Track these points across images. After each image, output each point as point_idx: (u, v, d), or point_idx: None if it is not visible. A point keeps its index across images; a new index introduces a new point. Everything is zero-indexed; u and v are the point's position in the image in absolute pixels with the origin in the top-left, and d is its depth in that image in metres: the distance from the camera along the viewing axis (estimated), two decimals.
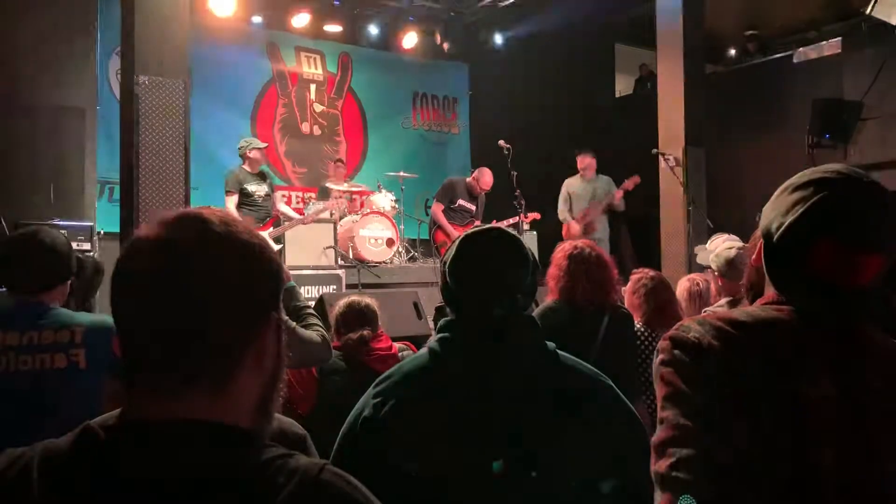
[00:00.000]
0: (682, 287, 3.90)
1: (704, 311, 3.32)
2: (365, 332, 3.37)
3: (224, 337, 0.86)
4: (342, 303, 3.54)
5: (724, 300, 3.29)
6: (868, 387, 1.13)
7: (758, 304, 1.25)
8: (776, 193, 1.24)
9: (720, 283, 3.49)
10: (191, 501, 0.79)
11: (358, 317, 3.45)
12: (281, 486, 0.80)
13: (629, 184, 7.99)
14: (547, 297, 3.30)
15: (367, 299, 3.59)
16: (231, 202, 7.08)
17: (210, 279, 0.85)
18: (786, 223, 1.17)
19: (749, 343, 1.14)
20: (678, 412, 1.12)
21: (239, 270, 0.87)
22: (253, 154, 7.34)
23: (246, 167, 7.32)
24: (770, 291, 1.25)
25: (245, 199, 7.17)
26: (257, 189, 7.27)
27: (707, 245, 4.57)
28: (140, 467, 0.80)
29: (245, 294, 0.88)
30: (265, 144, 7.65)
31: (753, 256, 1.29)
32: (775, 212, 1.21)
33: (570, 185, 8.28)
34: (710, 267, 3.71)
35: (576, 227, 7.98)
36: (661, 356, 1.19)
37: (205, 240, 0.86)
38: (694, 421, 1.10)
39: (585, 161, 8.16)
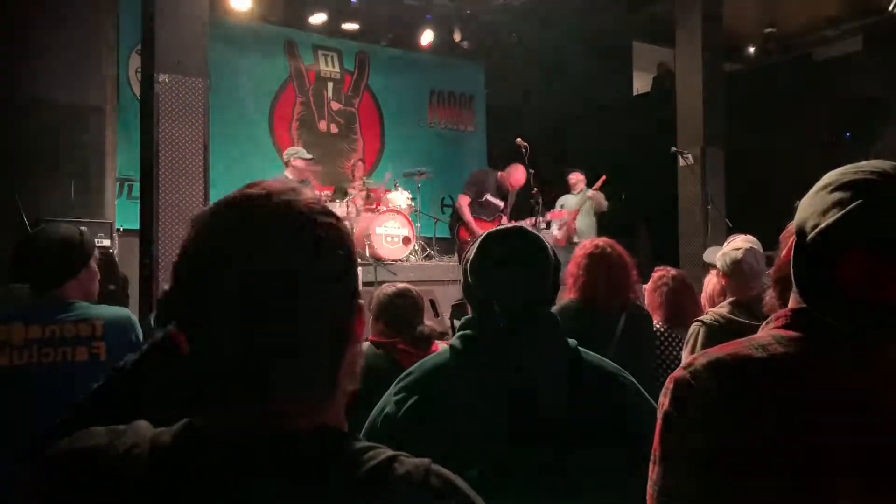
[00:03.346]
0: (712, 284, 3.85)
1: (707, 312, 3.29)
2: (434, 326, 3.12)
3: (335, 332, 0.83)
4: (387, 292, 3.17)
5: (726, 301, 3.26)
6: (892, 425, 1.03)
7: (774, 328, 1.14)
8: (816, 188, 1.14)
9: (724, 283, 3.46)
10: None
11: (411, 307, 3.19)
12: (393, 493, 0.79)
13: (597, 185, 8.30)
14: (564, 295, 3.30)
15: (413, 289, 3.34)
16: None
17: (325, 266, 0.80)
18: (820, 226, 1.07)
19: (765, 389, 1.05)
20: (660, 480, 1.07)
21: (346, 254, 0.84)
22: (297, 163, 7.55)
23: (288, 174, 7.48)
24: (791, 304, 1.15)
25: None
26: None
27: (724, 246, 4.53)
28: (263, 476, 0.76)
29: (348, 283, 0.84)
30: (311, 156, 7.80)
31: (784, 252, 1.19)
32: (812, 209, 1.11)
33: (563, 199, 8.57)
34: (714, 266, 3.67)
35: (558, 233, 8.17)
36: (663, 398, 1.11)
37: (312, 223, 0.81)
38: (671, 498, 1.06)
39: (576, 177, 8.49)
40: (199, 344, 0.80)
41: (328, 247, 0.81)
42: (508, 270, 1.53)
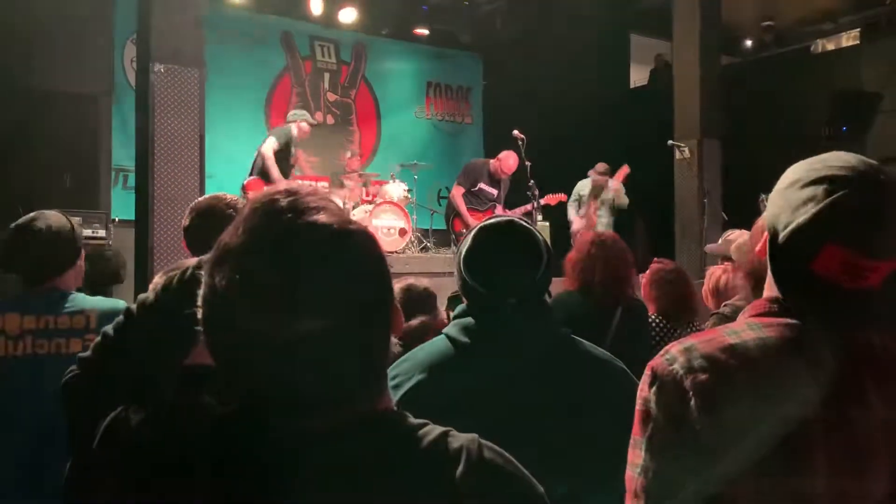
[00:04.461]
0: (716, 276, 3.84)
1: (725, 305, 3.29)
2: (426, 319, 3.24)
3: (386, 329, 0.90)
4: (398, 287, 3.33)
5: (743, 294, 3.26)
6: (863, 401, 1.08)
7: (749, 317, 1.18)
8: (785, 183, 1.18)
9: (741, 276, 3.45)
10: (383, 485, 0.83)
11: (418, 302, 3.34)
12: (453, 466, 0.85)
13: (619, 174, 8.17)
14: (563, 283, 3.30)
15: (424, 282, 3.44)
16: (270, 147, 7.14)
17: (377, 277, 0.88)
18: (794, 223, 1.11)
19: (739, 372, 1.08)
20: (643, 463, 1.11)
21: (383, 256, 0.90)
22: (303, 125, 7.50)
23: (294, 132, 7.44)
24: (765, 294, 1.20)
25: (284, 159, 7.20)
26: (293, 156, 7.38)
27: (720, 240, 4.52)
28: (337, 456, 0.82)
29: (390, 282, 0.91)
30: (316, 121, 7.74)
31: (758, 247, 1.22)
32: (783, 206, 1.15)
33: (581, 188, 8.51)
34: (729, 258, 3.67)
35: (579, 223, 8.11)
36: (643, 385, 1.15)
37: (367, 241, 0.88)
38: (653, 480, 1.10)
39: (601, 169, 8.37)
40: (270, 356, 0.81)
41: (374, 254, 0.88)
42: (501, 263, 1.55)
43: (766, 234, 1.18)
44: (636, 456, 1.13)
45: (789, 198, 1.14)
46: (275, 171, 7.06)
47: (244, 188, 7.16)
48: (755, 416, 1.05)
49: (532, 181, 7.43)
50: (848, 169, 1.12)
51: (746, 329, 1.14)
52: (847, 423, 1.07)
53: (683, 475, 1.07)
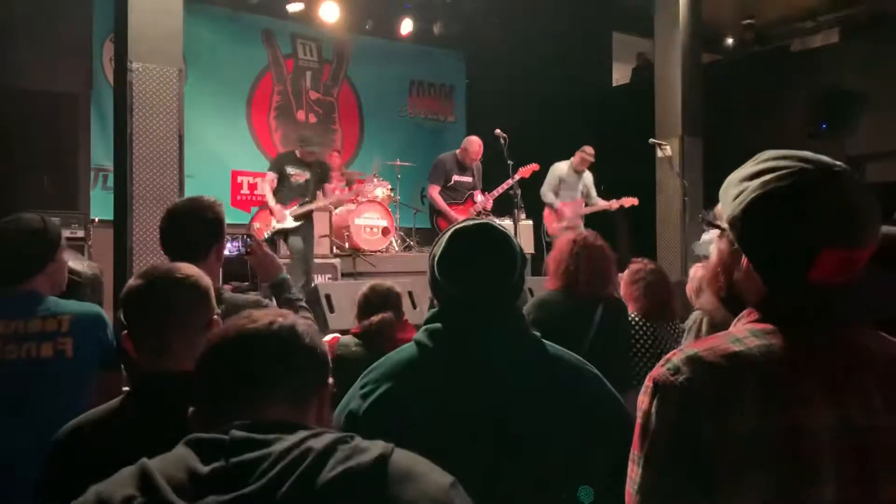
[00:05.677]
0: (698, 276, 3.84)
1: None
2: (386, 316, 3.23)
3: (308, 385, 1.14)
4: (365, 287, 3.42)
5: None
6: (869, 407, 1.07)
7: (746, 324, 1.16)
8: (743, 202, 1.14)
9: None
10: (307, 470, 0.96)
11: (380, 301, 3.32)
12: (351, 458, 0.97)
13: (626, 202, 8.04)
14: (546, 282, 3.29)
15: (389, 283, 3.46)
16: (268, 182, 7.11)
17: (307, 353, 1.16)
18: (778, 237, 1.10)
19: (746, 380, 1.06)
20: (640, 480, 1.09)
21: (319, 352, 1.18)
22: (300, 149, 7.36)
23: (297, 152, 7.32)
24: (759, 300, 1.17)
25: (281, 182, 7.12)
26: (295, 172, 7.20)
27: (701, 239, 4.54)
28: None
29: (321, 363, 1.18)
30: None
31: (742, 273, 1.18)
32: (753, 225, 1.13)
33: (562, 171, 8.21)
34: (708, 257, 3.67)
35: (569, 212, 7.92)
36: (643, 397, 1.12)
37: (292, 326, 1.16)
38: (650, 498, 1.07)
39: (592, 155, 8.13)
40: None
41: (313, 349, 1.17)
42: (474, 268, 1.53)
43: (743, 258, 1.16)
44: (634, 472, 1.10)
45: (756, 215, 1.12)
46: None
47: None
48: (761, 424, 1.04)
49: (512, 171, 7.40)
50: (801, 173, 1.10)
51: (749, 336, 1.11)
52: (854, 430, 1.05)
53: (683, 491, 1.05)
